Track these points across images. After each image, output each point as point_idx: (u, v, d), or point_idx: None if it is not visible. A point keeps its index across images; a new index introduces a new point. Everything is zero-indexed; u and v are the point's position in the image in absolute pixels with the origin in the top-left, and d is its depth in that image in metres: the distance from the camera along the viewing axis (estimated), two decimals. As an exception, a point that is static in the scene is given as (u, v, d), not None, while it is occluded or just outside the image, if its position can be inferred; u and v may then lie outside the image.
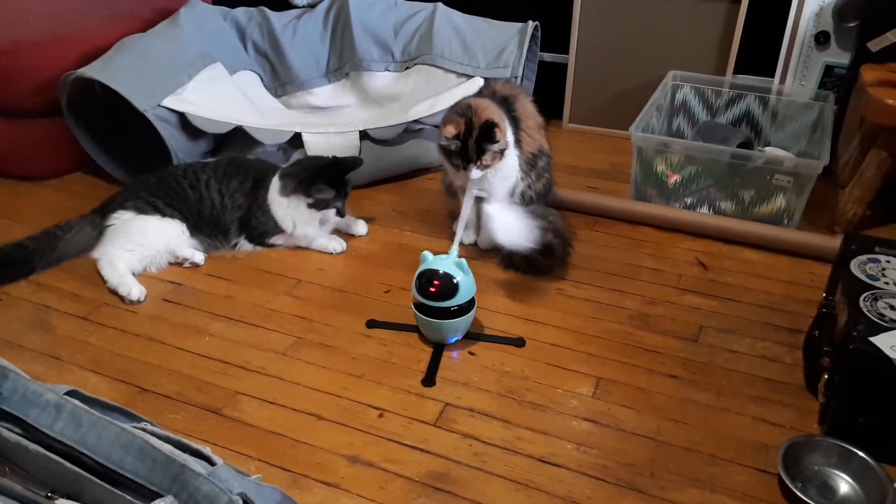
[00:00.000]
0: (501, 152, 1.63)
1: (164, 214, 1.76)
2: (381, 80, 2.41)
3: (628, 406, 1.36)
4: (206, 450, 0.69)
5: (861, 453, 1.19)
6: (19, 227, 1.86)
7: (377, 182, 2.15)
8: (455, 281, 1.44)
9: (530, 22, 2.32)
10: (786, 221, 1.90)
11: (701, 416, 1.34)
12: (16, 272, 1.70)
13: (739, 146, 1.99)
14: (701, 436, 1.30)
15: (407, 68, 2.39)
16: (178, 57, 2.11)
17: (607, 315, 1.61)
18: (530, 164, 1.77)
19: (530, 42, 2.30)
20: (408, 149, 2.14)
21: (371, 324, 1.58)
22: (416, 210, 2.03)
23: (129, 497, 0.66)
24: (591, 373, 1.44)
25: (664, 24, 2.33)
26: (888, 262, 1.38)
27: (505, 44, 2.28)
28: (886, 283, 1.32)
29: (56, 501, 0.67)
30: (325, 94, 2.46)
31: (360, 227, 1.92)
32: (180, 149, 1.98)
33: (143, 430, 0.70)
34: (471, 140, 1.59)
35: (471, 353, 1.50)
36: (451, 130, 1.61)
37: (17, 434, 0.70)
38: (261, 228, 1.81)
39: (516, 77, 2.23)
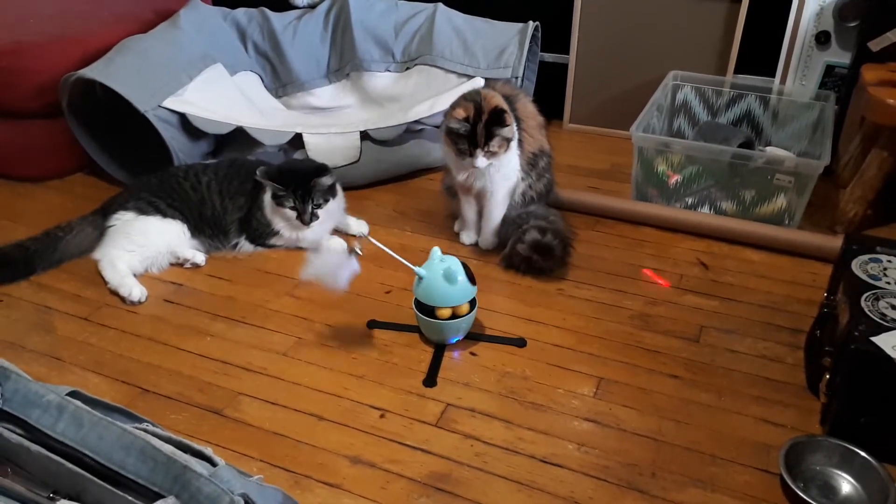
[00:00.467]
0: (508, 141, 1.63)
1: (165, 215, 1.76)
2: (381, 80, 2.42)
3: (629, 406, 1.36)
4: (208, 450, 0.69)
5: (863, 453, 1.19)
6: (20, 228, 1.87)
7: (378, 182, 2.15)
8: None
9: (531, 22, 2.32)
10: (787, 221, 1.90)
11: (702, 417, 1.34)
12: (17, 273, 1.70)
13: (740, 146, 1.99)
14: (702, 436, 1.29)
15: (407, 69, 2.39)
16: (179, 58, 2.11)
17: (608, 315, 1.61)
18: (531, 164, 1.77)
19: (531, 42, 2.30)
20: (408, 149, 2.14)
21: (372, 324, 1.58)
22: (416, 210, 2.03)
23: (130, 498, 0.66)
24: (593, 373, 1.44)
25: (665, 24, 2.33)
26: (889, 261, 1.38)
27: (505, 44, 2.28)
28: (888, 283, 1.32)
29: (58, 502, 0.67)
30: (325, 94, 2.46)
31: (361, 227, 1.92)
32: (181, 149, 1.99)
33: (145, 430, 0.70)
34: (480, 124, 1.59)
35: (472, 354, 1.50)
36: (460, 113, 1.60)
37: (19, 435, 0.70)
38: (260, 229, 1.81)
39: (517, 77, 2.23)
